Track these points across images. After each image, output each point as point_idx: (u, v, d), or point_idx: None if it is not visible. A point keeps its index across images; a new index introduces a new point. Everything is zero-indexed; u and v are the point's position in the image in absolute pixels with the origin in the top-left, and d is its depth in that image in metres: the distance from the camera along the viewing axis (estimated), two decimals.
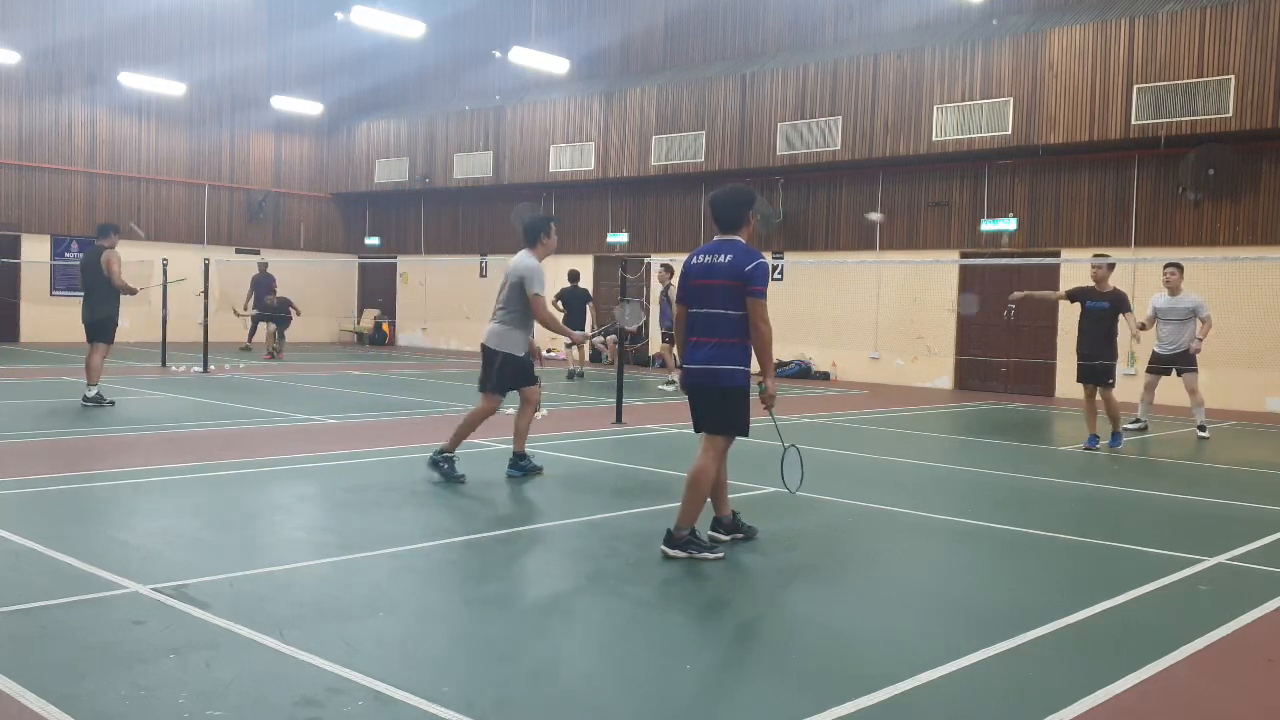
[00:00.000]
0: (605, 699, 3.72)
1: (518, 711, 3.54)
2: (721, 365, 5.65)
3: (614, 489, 8.03)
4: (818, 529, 6.69)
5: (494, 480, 8.13)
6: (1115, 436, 10.85)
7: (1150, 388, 12.46)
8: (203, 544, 5.78)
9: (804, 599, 5.10)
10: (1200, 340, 12.02)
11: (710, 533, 6.09)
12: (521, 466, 8.17)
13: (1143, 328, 11.46)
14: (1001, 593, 5.37)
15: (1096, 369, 10.68)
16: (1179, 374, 12.16)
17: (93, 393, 11.80)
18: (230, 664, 3.89)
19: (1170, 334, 12.18)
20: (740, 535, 6.17)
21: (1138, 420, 12.44)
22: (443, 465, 7.79)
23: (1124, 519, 7.37)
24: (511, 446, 8.25)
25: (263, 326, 22.58)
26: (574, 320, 18.37)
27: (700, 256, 5.80)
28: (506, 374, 7.97)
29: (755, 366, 5.84)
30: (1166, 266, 12.32)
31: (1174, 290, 12.15)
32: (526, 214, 24.15)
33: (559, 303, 18.36)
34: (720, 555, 5.71)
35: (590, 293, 19.92)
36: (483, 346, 8.12)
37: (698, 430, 5.92)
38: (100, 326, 11.91)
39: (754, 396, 5.87)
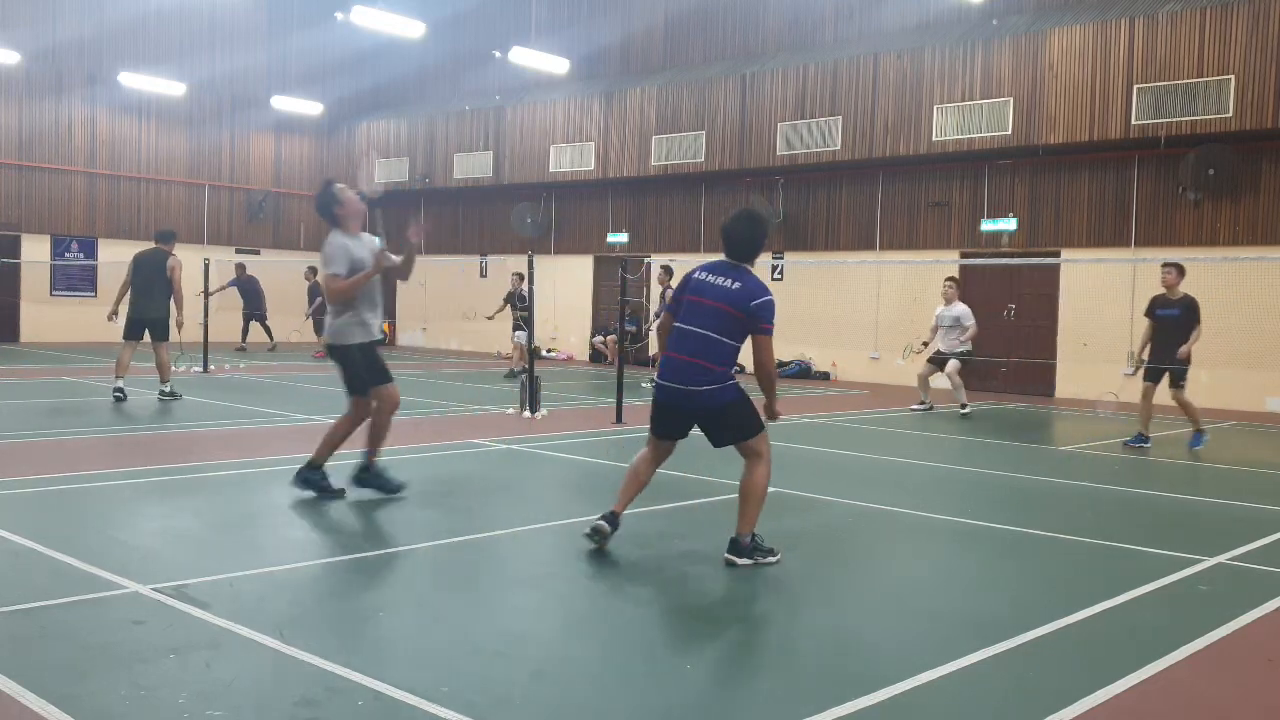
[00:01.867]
0: (605, 699, 3.72)
1: (518, 711, 3.54)
2: (718, 385, 5.58)
3: (614, 489, 8.01)
4: (818, 529, 6.69)
5: (494, 481, 8.13)
6: (1196, 436, 10.91)
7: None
8: (203, 544, 5.78)
9: (804, 599, 5.10)
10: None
11: (599, 523, 5.77)
12: (310, 479, 6.96)
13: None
14: (1001, 593, 5.37)
15: (1164, 372, 10.78)
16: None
17: (169, 389, 12.57)
18: (230, 664, 3.89)
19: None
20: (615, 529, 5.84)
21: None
22: (315, 480, 6.96)
23: (1124, 519, 7.36)
24: (317, 455, 7.06)
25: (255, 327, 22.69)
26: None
27: (707, 275, 5.66)
28: (356, 369, 6.92)
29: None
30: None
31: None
32: (526, 214, 24.21)
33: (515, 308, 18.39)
34: (779, 557, 5.62)
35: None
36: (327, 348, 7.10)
37: (663, 440, 5.92)
38: (162, 325, 12.63)
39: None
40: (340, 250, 6.76)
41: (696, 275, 5.73)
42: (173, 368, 12.80)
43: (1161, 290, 10.99)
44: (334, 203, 6.85)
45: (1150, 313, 11.05)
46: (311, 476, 6.96)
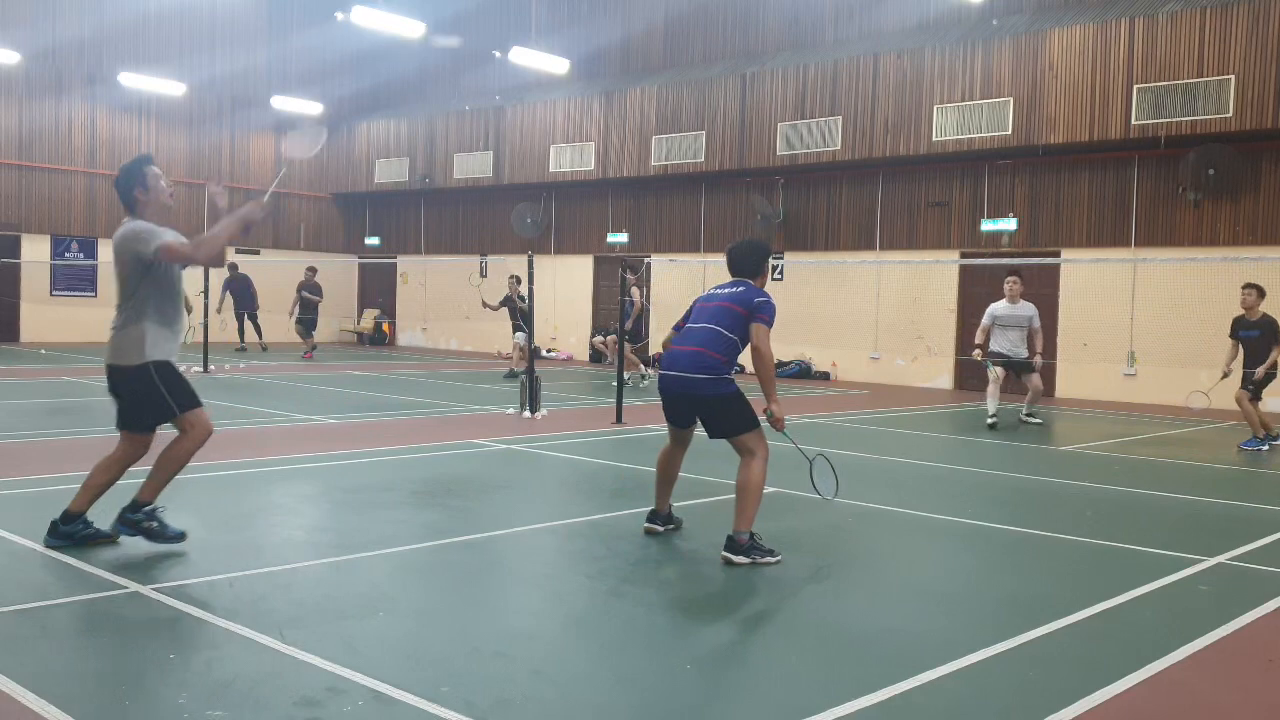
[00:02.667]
0: (605, 699, 3.72)
1: (518, 711, 3.54)
2: (718, 375, 5.87)
3: (614, 489, 8.03)
4: (818, 529, 6.69)
5: (494, 480, 8.13)
6: (1253, 439, 11.16)
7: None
8: (203, 544, 5.77)
9: (804, 599, 5.10)
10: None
11: (647, 524, 6.29)
12: (68, 533, 5.47)
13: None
14: (1001, 593, 5.37)
15: (1252, 380, 11.16)
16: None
17: None
18: (230, 664, 3.89)
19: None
20: (672, 527, 6.37)
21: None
22: (75, 532, 5.46)
23: (1124, 519, 7.36)
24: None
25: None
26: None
27: (715, 289, 6.18)
28: (138, 399, 5.48)
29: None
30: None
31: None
32: (526, 214, 24.19)
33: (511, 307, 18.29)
34: (779, 558, 5.67)
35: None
36: (112, 370, 5.57)
37: (679, 428, 6.22)
38: None
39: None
40: (155, 229, 5.43)
41: (705, 294, 6.28)
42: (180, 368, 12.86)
43: (1241, 312, 11.28)
44: (138, 184, 5.56)
45: (1234, 334, 11.37)
46: (70, 530, 5.46)
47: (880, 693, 3.72)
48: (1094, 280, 16.89)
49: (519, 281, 18.30)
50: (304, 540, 6.09)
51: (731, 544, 5.64)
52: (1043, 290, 17.53)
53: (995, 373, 12.60)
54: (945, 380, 18.45)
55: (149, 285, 5.36)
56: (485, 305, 18.29)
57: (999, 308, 12.72)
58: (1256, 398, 11.16)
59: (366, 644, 4.15)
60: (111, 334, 5.46)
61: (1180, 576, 5.57)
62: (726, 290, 6.03)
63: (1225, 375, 11.41)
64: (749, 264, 6.12)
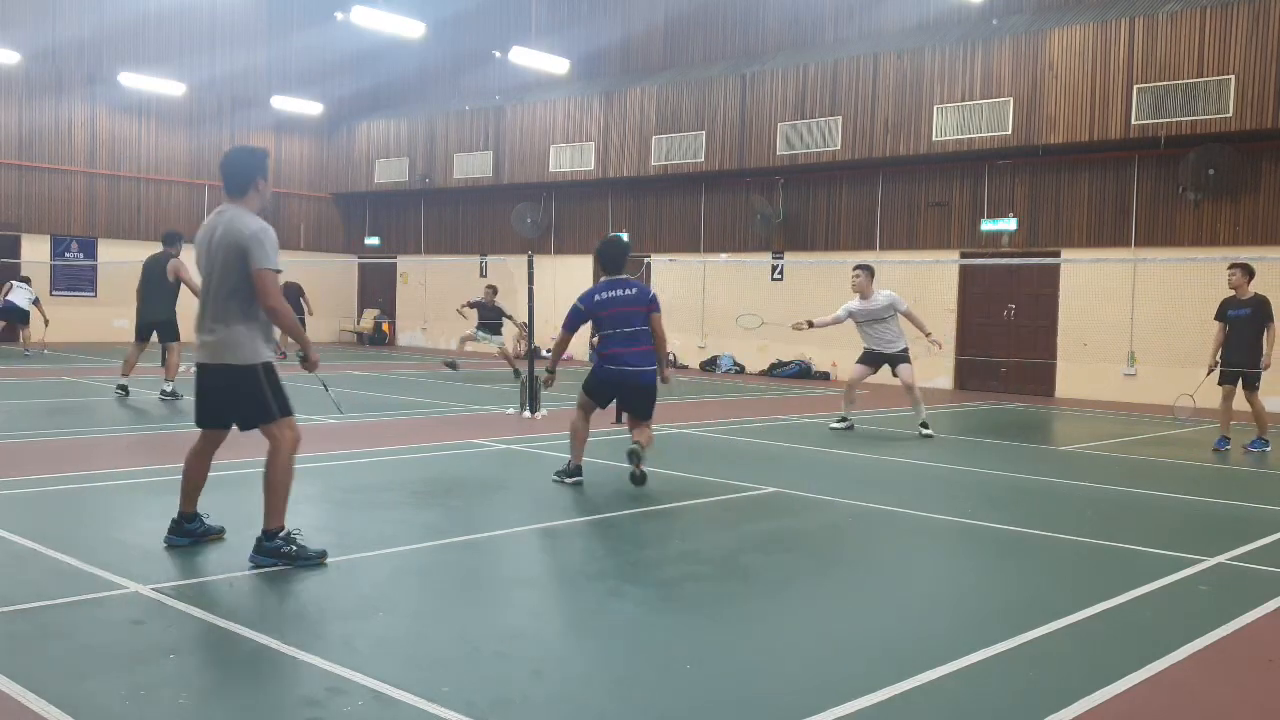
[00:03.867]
0: (605, 699, 3.72)
1: (518, 711, 3.54)
2: (653, 368, 7.69)
3: (614, 489, 8.02)
4: (818, 529, 6.69)
5: (494, 480, 8.13)
6: (1258, 440, 10.82)
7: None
8: (203, 544, 5.77)
9: (804, 599, 5.10)
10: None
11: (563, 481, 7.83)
12: (189, 531, 5.67)
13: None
14: (1001, 593, 5.37)
15: (1239, 374, 10.68)
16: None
17: (170, 388, 12.62)
18: (230, 664, 3.89)
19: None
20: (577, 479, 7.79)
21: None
22: (284, 548, 5.31)
23: (1124, 519, 7.36)
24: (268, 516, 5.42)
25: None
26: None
27: (609, 291, 7.64)
28: (239, 398, 5.50)
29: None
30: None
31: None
32: (526, 214, 24.17)
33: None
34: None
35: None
36: (205, 367, 5.46)
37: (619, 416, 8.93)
38: (168, 326, 12.78)
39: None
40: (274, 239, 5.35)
41: (597, 297, 7.65)
42: (180, 368, 12.89)
43: (1230, 292, 10.81)
44: (261, 174, 5.61)
45: (1221, 315, 10.84)
46: (192, 527, 5.68)
47: (880, 693, 3.72)
48: (1094, 280, 16.89)
49: (495, 292, 18.65)
50: (303, 540, 6.08)
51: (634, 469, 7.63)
52: (1043, 290, 17.56)
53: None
54: (945, 380, 18.45)
55: (249, 284, 5.25)
56: (459, 310, 18.62)
57: (853, 304, 11.69)
58: (1253, 388, 10.69)
59: (366, 644, 4.15)
60: (215, 330, 5.31)
61: (1180, 576, 5.57)
62: (624, 294, 7.58)
63: (1211, 368, 10.91)
64: (623, 261, 7.80)
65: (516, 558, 5.90)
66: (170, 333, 12.79)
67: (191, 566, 5.26)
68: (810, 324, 11.71)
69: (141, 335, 12.94)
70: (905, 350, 11.62)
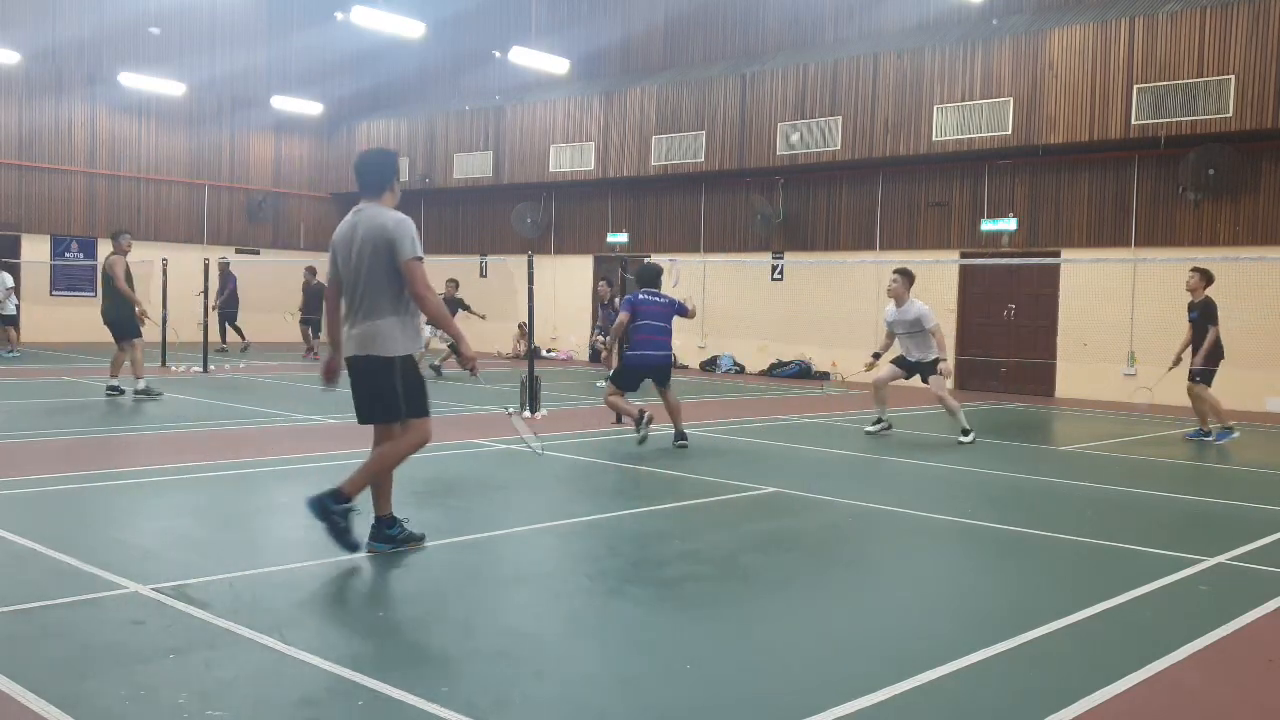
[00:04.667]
0: (605, 699, 3.72)
1: (518, 711, 3.54)
2: (669, 352, 10.21)
3: (614, 489, 8.03)
4: (818, 529, 6.69)
5: (494, 480, 8.13)
6: (1198, 430, 11.68)
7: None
8: (203, 544, 5.78)
9: (804, 599, 5.10)
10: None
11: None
12: (389, 537, 5.62)
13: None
14: (1001, 593, 5.37)
15: (1192, 371, 11.53)
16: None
17: (142, 385, 12.56)
18: (230, 664, 3.89)
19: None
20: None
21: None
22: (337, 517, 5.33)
23: (1124, 519, 7.36)
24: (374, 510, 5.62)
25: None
26: None
27: (647, 296, 10.05)
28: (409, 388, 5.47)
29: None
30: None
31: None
32: (526, 214, 24.19)
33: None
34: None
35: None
36: (354, 360, 5.47)
37: (619, 418, 10.73)
38: (119, 325, 12.68)
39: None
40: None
41: (640, 297, 10.02)
42: (181, 368, 12.83)
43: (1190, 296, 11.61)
44: (395, 175, 5.78)
45: (1189, 317, 11.76)
46: (393, 533, 5.64)
47: (880, 693, 3.72)
48: (1094, 280, 16.88)
49: (456, 286, 18.74)
50: (304, 540, 6.08)
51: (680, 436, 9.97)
52: (1043, 290, 17.55)
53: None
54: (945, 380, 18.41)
55: (397, 277, 5.33)
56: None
57: (889, 313, 11.54)
58: (1208, 384, 11.40)
59: (366, 644, 4.15)
60: (363, 323, 5.33)
61: (1180, 576, 5.57)
62: (658, 300, 10.09)
63: (1175, 363, 11.81)
64: (660, 281, 10.26)
65: (516, 558, 5.90)
66: (121, 330, 12.67)
67: (191, 566, 5.26)
68: (876, 355, 11.62)
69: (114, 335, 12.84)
70: (936, 361, 11.20)
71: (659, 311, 10.05)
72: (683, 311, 10.23)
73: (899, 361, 11.63)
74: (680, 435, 9.98)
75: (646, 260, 10.65)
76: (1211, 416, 11.61)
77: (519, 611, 4.75)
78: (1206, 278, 11.50)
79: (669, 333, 10.08)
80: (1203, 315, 11.38)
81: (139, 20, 24.92)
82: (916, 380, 11.67)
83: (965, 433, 10.97)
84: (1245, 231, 15.72)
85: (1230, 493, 8.51)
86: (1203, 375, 11.39)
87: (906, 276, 11.32)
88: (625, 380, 10.18)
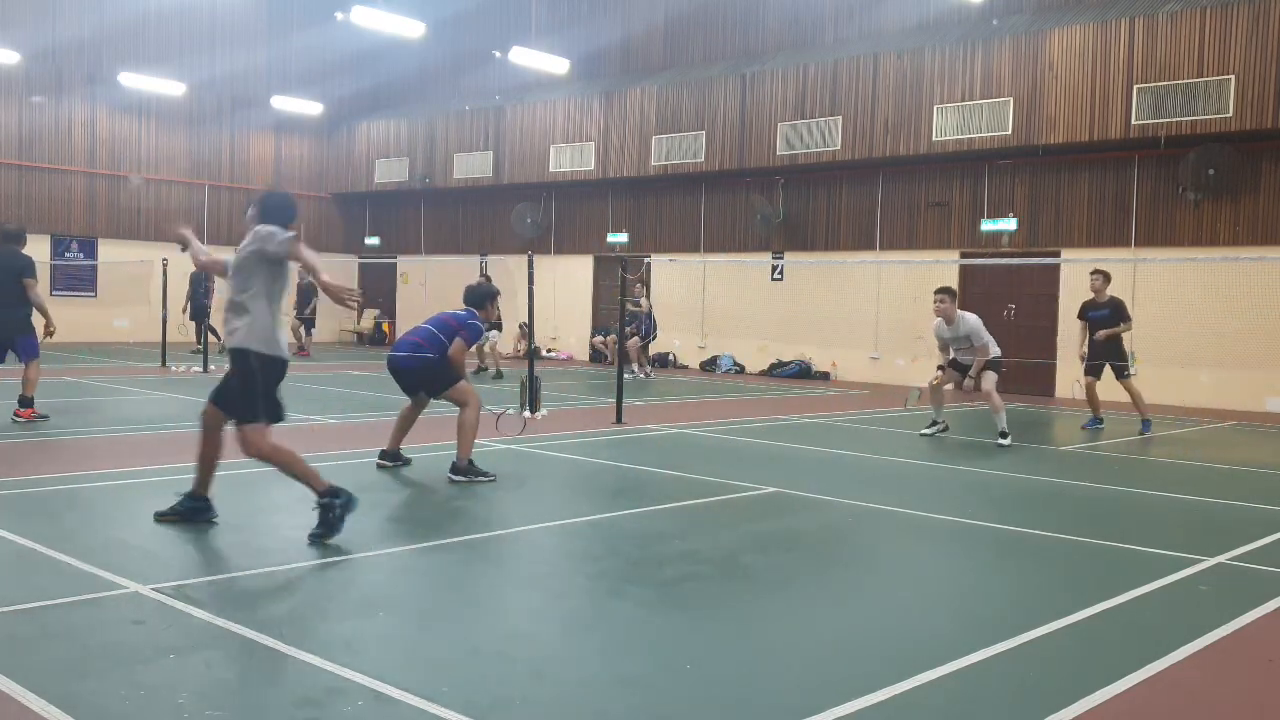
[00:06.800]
0: (605, 699, 3.72)
1: (517, 711, 3.54)
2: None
3: (614, 489, 8.03)
4: (818, 529, 6.69)
5: (494, 480, 8.13)
6: (1145, 423, 12.22)
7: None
8: (203, 544, 5.78)
9: (804, 599, 5.10)
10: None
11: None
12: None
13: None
14: (1002, 593, 5.37)
15: (1102, 367, 12.32)
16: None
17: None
18: (230, 664, 3.89)
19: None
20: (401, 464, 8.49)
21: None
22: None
23: (1124, 519, 7.36)
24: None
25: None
26: None
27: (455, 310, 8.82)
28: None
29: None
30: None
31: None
32: (526, 214, 24.19)
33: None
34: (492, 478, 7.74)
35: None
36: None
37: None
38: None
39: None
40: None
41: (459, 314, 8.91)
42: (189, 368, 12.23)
43: (1090, 295, 12.36)
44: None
45: (1083, 315, 12.46)
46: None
47: (880, 693, 3.72)
48: None
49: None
50: (304, 540, 6.08)
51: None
52: (1043, 290, 17.54)
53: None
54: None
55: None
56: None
57: (941, 331, 11.80)
58: (1097, 378, 12.29)
59: (366, 644, 4.15)
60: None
61: (1180, 576, 5.57)
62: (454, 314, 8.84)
63: (1082, 358, 12.49)
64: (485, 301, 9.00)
65: (516, 557, 5.90)
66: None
67: (191, 566, 5.26)
68: (941, 368, 11.66)
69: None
70: (990, 359, 11.38)
71: (441, 319, 8.76)
72: (468, 336, 8.72)
73: (953, 364, 11.74)
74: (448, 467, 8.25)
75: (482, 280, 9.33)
76: (1101, 410, 12.51)
77: (518, 611, 4.75)
78: (1108, 278, 12.35)
79: (434, 340, 8.58)
80: (1116, 312, 12.10)
81: (139, 20, 24.91)
82: (907, 378, 11.78)
83: (1004, 435, 10.81)
84: (1245, 231, 15.71)
85: (1230, 493, 8.51)
86: (1096, 370, 12.18)
87: (951, 295, 11.46)
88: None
